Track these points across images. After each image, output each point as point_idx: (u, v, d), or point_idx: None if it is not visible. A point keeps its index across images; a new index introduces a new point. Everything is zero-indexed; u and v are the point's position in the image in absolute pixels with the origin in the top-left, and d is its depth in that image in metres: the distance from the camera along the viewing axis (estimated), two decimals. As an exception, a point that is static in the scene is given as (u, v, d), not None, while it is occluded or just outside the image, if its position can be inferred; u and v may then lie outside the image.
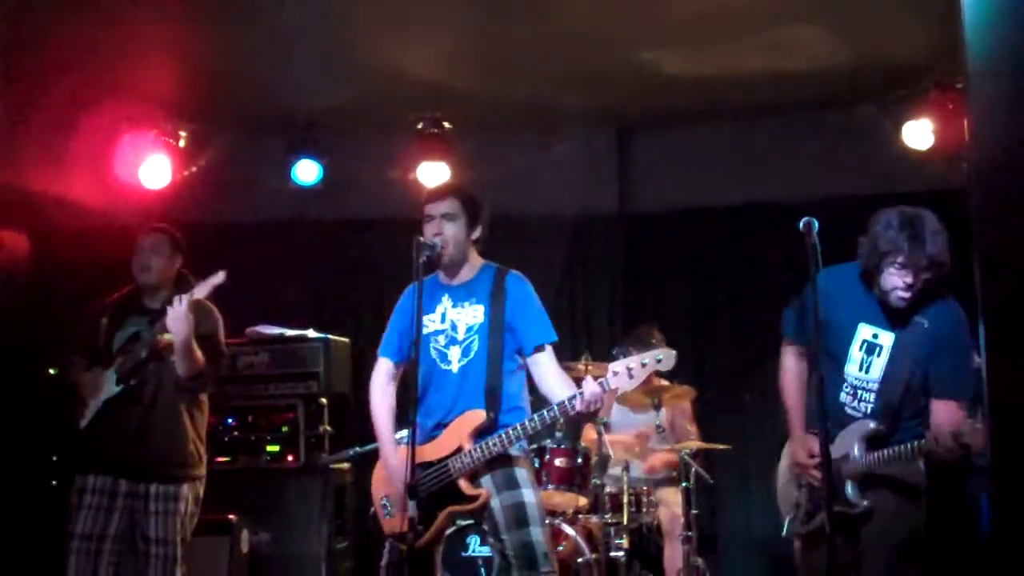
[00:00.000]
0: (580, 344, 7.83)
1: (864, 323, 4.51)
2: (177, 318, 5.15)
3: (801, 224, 4.24)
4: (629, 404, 6.95)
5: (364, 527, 7.28)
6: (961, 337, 4.42)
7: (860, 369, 4.51)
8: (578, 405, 4.32)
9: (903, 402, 4.46)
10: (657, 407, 6.63)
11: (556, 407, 4.35)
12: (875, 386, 4.50)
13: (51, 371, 7.65)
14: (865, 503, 4.39)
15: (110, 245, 7.65)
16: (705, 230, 8.64)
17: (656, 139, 8.76)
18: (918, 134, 7.57)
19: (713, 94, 7.93)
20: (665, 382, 7.01)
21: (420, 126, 8.23)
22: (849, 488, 4.45)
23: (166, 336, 5.25)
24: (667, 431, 6.83)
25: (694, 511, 6.60)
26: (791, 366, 4.77)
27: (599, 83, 7.82)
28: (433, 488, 4.43)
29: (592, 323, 8.67)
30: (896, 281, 4.34)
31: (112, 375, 5.35)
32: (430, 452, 4.46)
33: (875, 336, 4.48)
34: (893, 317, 4.42)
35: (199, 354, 5.31)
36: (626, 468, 6.54)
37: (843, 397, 4.57)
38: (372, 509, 4.80)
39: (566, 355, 6.80)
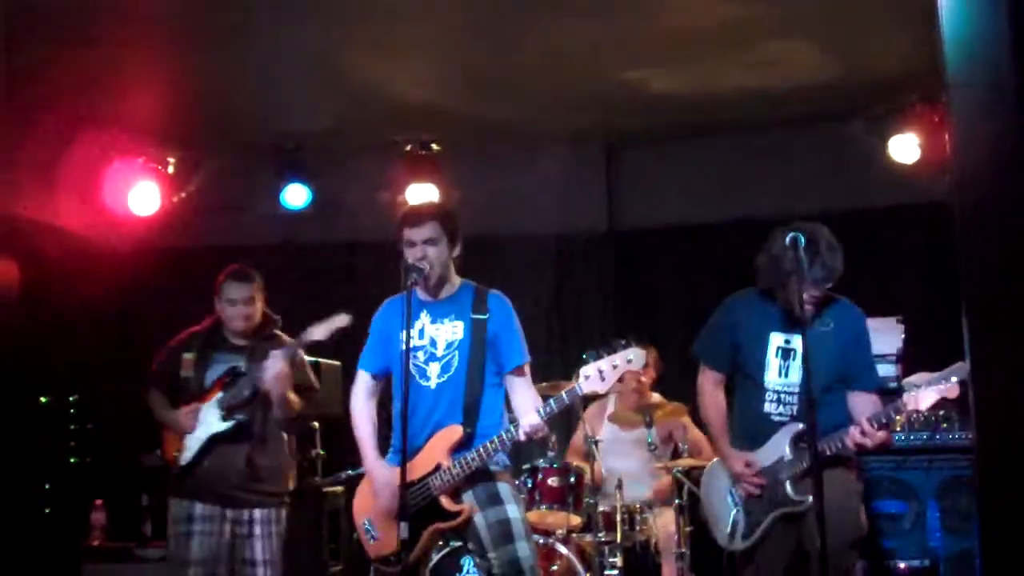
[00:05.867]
0: (571, 363, 7.80)
1: (774, 332, 4.78)
2: (278, 377, 5.27)
3: (787, 240, 4.31)
4: (620, 423, 6.95)
5: (358, 550, 7.27)
6: (864, 334, 4.83)
7: (780, 375, 4.76)
8: (519, 435, 4.40)
9: (821, 399, 4.61)
10: (649, 425, 6.62)
11: (497, 436, 4.42)
12: (796, 389, 4.72)
13: (42, 399, 7.66)
14: (809, 498, 4.49)
15: (100, 271, 7.69)
16: (694, 247, 8.66)
17: (644, 157, 8.81)
18: (904, 148, 7.61)
19: (700, 111, 7.97)
20: (658, 398, 7.01)
21: (408, 148, 8.26)
22: (789, 488, 4.65)
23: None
24: (659, 448, 6.82)
25: (688, 528, 6.58)
26: (710, 391, 5.03)
27: (587, 102, 7.86)
28: (416, 507, 4.41)
29: (583, 342, 8.61)
30: (803, 296, 4.53)
31: (215, 411, 5.43)
32: (412, 471, 4.43)
33: (787, 342, 4.75)
34: (798, 322, 4.57)
35: (295, 402, 5.45)
36: (619, 486, 6.53)
37: (767, 407, 4.80)
38: (355, 533, 4.78)
39: (556, 374, 6.81)
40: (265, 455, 5.47)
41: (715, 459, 5.07)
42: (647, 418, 6.61)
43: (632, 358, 4.35)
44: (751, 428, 4.85)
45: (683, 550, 6.46)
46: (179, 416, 5.50)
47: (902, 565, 6.56)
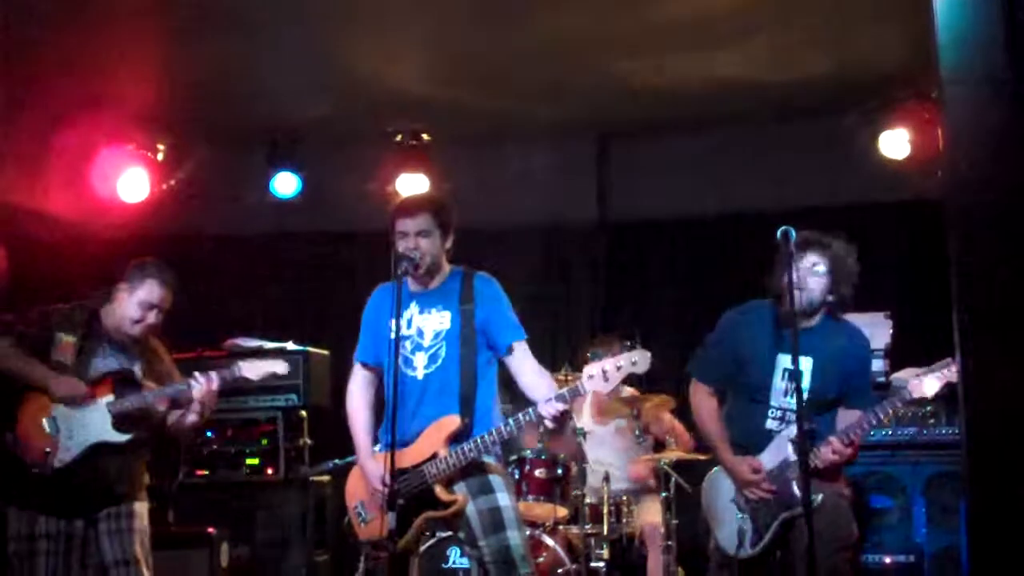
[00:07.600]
0: (560, 355, 7.81)
1: (782, 353, 4.76)
2: (209, 398, 4.97)
3: (778, 234, 4.30)
4: (608, 415, 6.94)
5: (344, 539, 7.28)
6: (867, 357, 4.97)
7: (785, 395, 4.76)
8: (534, 417, 4.39)
9: (820, 409, 4.73)
10: (637, 416, 6.62)
11: (524, 415, 4.38)
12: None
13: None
14: (819, 497, 4.48)
15: (88, 258, 7.65)
16: (685, 239, 8.68)
17: (636, 149, 8.78)
18: (895, 144, 7.61)
19: (692, 104, 7.95)
20: (630, 391, 6.96)
21: (399, 138, 8.24)
22: (795, 488, 4.60)
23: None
24: (647, 440, 6.82)
25: (675, 521, 6.59)
26: (705, 403, 5.02)
27: (579, 93, 7.84)
28: (409, 494, 4.40)
29: (573, 333, 8.66)
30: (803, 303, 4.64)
31: (104, 414, 4.89)
32: (405, 458, 4.41)
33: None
34: (808, 345, 4.59)
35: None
36: (606, 478, 6.53)
37: (770, 423, 4.82)
38: (347, 517, 4.78)
39: (545, 365, 6.79)
40: (127, 468, 5.00)
41: (714, 469, 5.02)
42: (635, 410, 6.61)
43: (637, 360, 4.32)
44: (748, 441, 4.83)
45: (669, 542, 6.47)
46: (61, 380, 4.83)
47: (887, 560, 6.59)
